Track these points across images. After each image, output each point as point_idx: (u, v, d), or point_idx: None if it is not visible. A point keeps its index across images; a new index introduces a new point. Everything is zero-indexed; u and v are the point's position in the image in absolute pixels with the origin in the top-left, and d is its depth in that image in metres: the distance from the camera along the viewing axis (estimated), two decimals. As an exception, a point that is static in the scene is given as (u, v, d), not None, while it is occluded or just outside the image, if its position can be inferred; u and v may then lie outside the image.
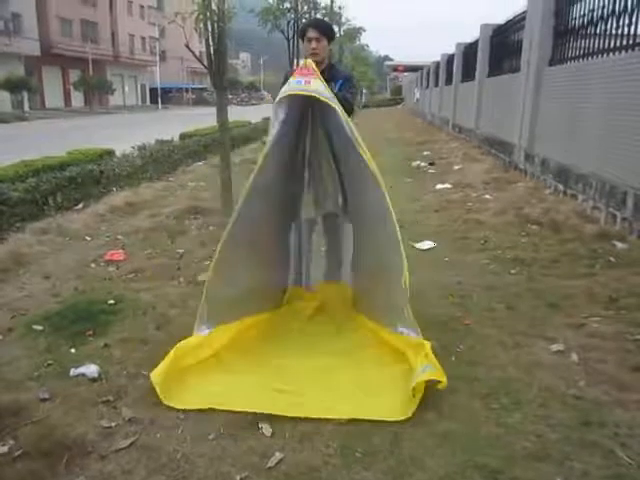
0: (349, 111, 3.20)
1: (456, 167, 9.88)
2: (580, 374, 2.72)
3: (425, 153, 12.43)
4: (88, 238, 5.37)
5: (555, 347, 3.00)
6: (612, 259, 4.40)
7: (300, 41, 3.41)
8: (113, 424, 2.36)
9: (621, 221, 5.22)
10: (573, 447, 2.18)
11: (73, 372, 2.76)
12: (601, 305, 3.56)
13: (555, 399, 2.51)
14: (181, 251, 4.83)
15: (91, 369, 2.77)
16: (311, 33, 3.32)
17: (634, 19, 5.48)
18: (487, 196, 7.10)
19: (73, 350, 3.02)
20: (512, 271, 4.30)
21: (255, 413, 2.40)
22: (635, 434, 2.24)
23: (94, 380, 2.70)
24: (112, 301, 3.67)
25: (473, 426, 2.33)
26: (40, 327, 3.28)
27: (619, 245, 4.72)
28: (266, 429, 2.33)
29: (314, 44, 3.31)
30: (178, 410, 2.47)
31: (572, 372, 2.75)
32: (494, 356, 2.93)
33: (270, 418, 2.39)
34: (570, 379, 2.68)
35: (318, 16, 16.45)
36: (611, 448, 2.15)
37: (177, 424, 2.38)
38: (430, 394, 2.52)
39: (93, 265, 4.55)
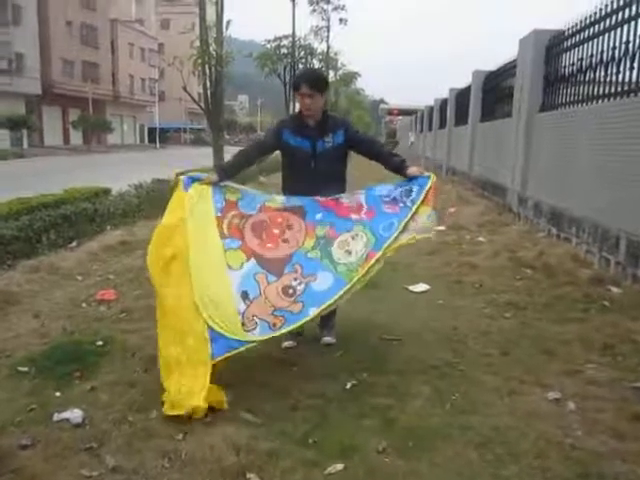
0: (378, 144, 3.86)
1: (450, 209, 9.94)
2: (577, 423, 2.66)
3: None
4: (79, 277, 5.32)
5: (551, 395, 2.94)
6: (607, 304, 4.38)
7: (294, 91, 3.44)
8: (95, 473, 2.27)
9: (615, 265, 5.22)
10: (572, 501, 2.11)
11: (57, 417, 2.68)
12: (597, 351, 3.51)
13: (552, 450, 2.44)
14: (173, 291, 4.77)
15: (75, 414, 2.68)
16: (304, 89, 3.32)
17: (621, 68, 5.64)
18: (481, 239, 7.12)
19: (58, 393, 2.94)
20: (507, 315, 4.27)
21: (241, 463, 2.32)
22: (635, 488, 2.17)
23: (78, 425, 2.62)
24: (101, 342, 3.60)
25: (467, 478, 2.26)
26: (25, 369, 3.19)
27: (614, 290, 4.71)
28: (254, 479, 2.25)
29: (307, 101, 3.34)
30: (163, 458, 2.39)
31: (569, 421, 2.68)
32: (489, 404, 2.87)
33: (258, 468, 2.31)
34: (567, 428, 2.61)
35: (314, 62, 16.78)
36: (611, 503, 2.08)
37: (162, 473, 2.29)
38: (424, 444, 2.46)
39: (84, 305, 4.48)
